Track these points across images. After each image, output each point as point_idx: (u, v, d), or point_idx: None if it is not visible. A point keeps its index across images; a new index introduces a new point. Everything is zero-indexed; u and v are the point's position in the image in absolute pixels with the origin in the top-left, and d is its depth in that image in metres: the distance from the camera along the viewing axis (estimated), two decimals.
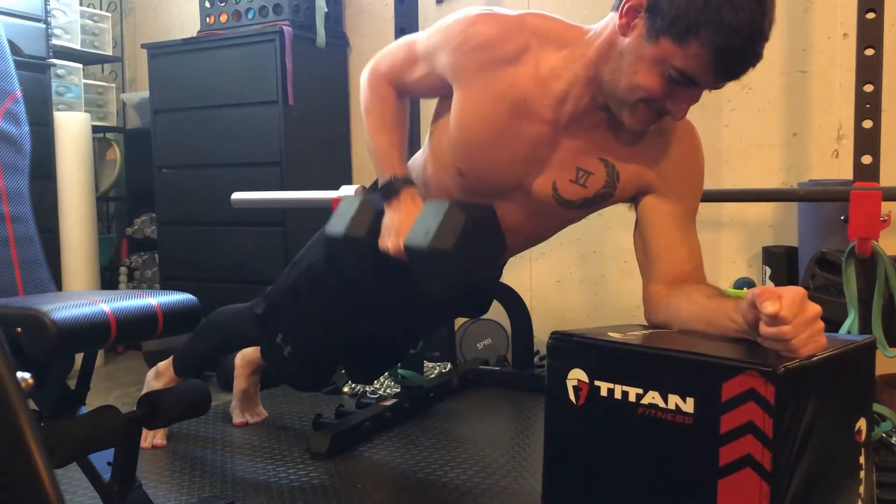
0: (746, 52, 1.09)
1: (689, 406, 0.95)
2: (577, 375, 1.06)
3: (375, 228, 1.38)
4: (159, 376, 1.96)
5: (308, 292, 1.62)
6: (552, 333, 1.10)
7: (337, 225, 1.43)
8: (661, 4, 1.11)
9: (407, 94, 1.47)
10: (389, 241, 1.36)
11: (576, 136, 1.29)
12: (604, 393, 1.03)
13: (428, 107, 2.55)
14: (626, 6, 1.15)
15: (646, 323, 1.30)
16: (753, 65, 1.12)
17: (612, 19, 1.21)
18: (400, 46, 1.44)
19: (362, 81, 1.47)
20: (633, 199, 1.35)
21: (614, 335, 1.09)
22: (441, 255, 1.22)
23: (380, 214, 1.40)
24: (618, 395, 1.02)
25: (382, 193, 1.38)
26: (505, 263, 1.62)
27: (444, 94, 1.40)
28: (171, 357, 1.96)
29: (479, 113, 1.29)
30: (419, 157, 1.52)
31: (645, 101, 1.18)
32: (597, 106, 1.26)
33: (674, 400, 0.96)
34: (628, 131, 1.27)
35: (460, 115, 1.31)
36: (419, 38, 1.40)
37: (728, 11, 1.06)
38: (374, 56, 1.48)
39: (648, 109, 1.19)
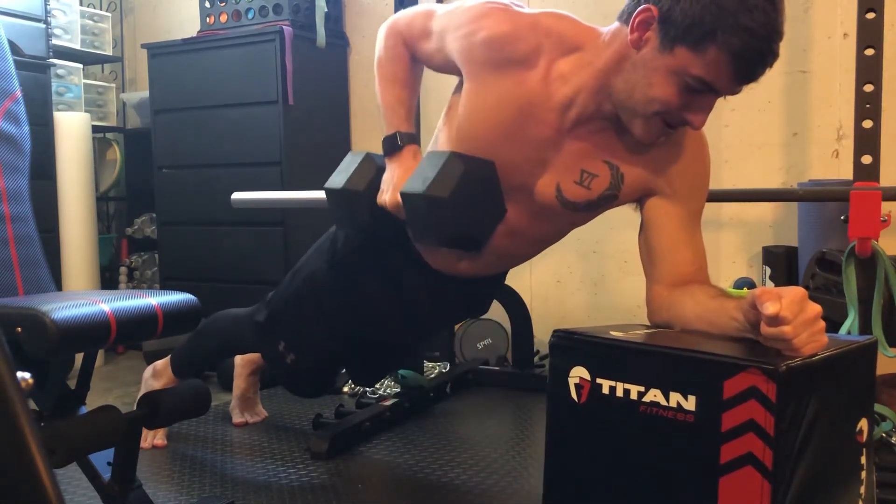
0: (765, 52, 1.09)
1: (690, 404, 0.95)
2: (579, 373, 1.06)
3: (375, 184, 1.36)
4: (157, 376, 1.96)
5: (311, 300, 1.62)
6: (554, 331, 1.10)
7: (337, 179, 1.41)
8: (673, 14, 1.10)
9: (420, 62, 1.45)
10: (387, 195, 1.34)
11: (581, 138, 1.29)
12: (605, 391, 1.03)
13: (430, 105, 2.55)
14: (637, 20, 1.14)
15: (648, 323, 1.30)
16: (771, 65, 1.11)
17: (620, 31, 1.20)
18: (419, 13, 1.42)
19: (379, 35, 1.46)
20: (639, 201, 1.34)
21: (616, 334, 1.09)
22: (437, 202, 1.19)
23: (381, 171, 1.38)
24: (619, 393, 1.02)
25: (384, 148, 1.37)
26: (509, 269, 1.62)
27: (457, 81, 1.38)
28: (169, 357, 1.96)
29: (487, 110, 1.28)
30: (429, 147, 1.51)
31: (660, 114, 1.17)
32: (602, 114, 1.26)
33: (675, 398, 0.96)
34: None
35: (469, 108, 1.31)
36: (438, 11, 1.38)
37: (744, 14, 1.06)
38: (395, 14, 1.47)
39: (662, 122, 1.19)
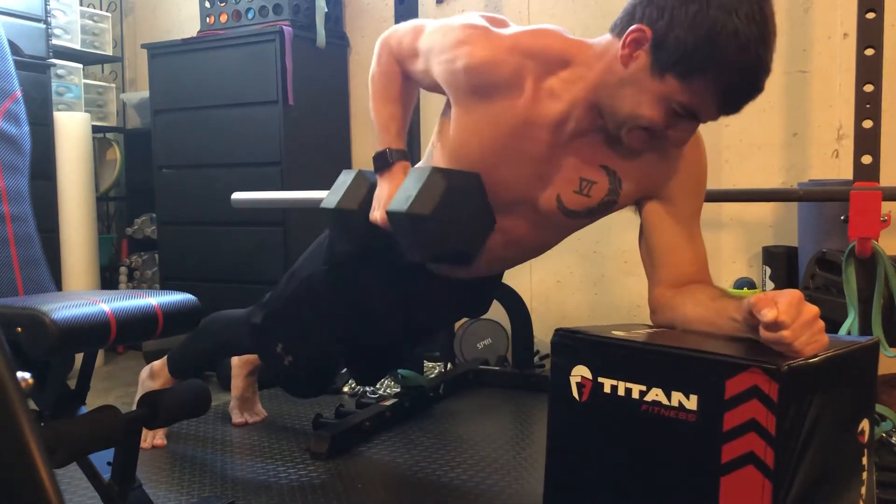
0: (750, 89, 1.12)
1: (692, 403, 0.95)
2: (580, 372, 1.06)
3: (368, 202, 1.37)
4: (155, 376, 1.95)
5: (309, 302, 1.62)
6: (556, 330, 1.10)
7: (331, 198, 1.42)
8: (667, 42, 1.11)
9: (411, 79, 1.44)
10: (378, 213, 1.35)
11: (577, 149, 1.29)
12: (607, 390, 1.03)
13: (429, 110, 2.55)
14: (629, 38, 1.14)
15: (649, 323, 1.30)
16: (754, 98, 1.13)
17: (612, 44, 1.20)
18: (409, 31, 1.41)
19: (375, 49, 1.45)
20: (638, 204, 1.35)
21: (618, 333, 1.09)
22: (419, 220, 1.21)
23: (373, 188, 1.39)
24: (621, 392, 1.02)
25: (375, 164, 1.37)
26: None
27: (445, 101, 1.38)
28: (166, 358, 1.96)
29: (479, 135, 1.28)
30: (422, 162, 1.51)
31: (645, 128, 1.19)
32: (598, 125, 1.26)
33: (677, 397, 0.96)
34: None
35: (460, 134, 1.31)
36: (427, 28, 1.37)
37: (734, 51, 1.07)
38: (390, 28, 1.46)
39: (647, 133, 1.20)
